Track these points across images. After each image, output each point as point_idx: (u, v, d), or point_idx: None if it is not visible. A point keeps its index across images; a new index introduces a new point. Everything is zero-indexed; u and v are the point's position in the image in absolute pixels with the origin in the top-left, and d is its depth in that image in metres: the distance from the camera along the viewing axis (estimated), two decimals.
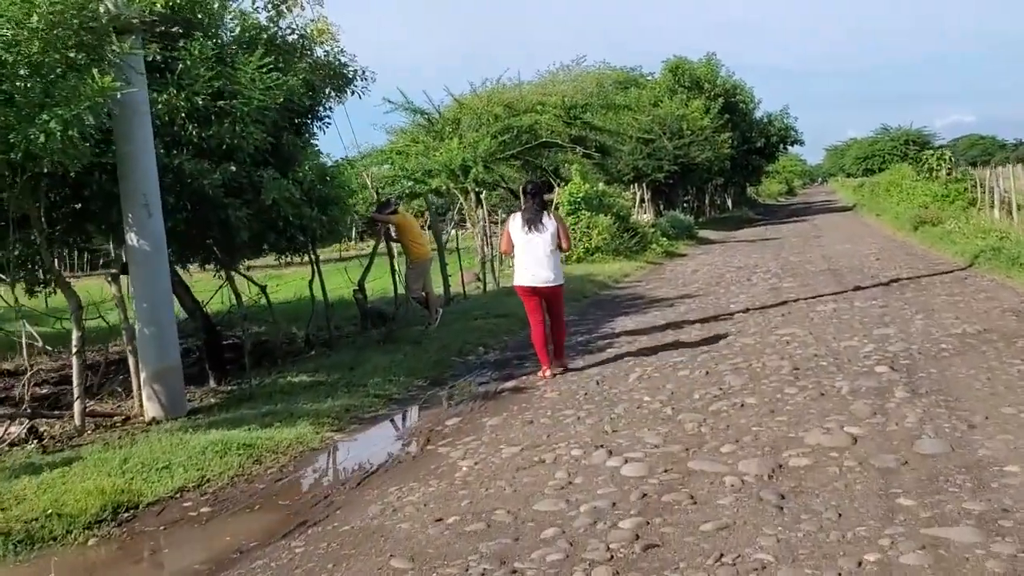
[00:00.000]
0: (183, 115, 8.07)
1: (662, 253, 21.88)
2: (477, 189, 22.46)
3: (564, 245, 8.28)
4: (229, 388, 8.41)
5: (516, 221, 8.23)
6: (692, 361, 8.21)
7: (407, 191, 23.57)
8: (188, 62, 8.07)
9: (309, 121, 10.31)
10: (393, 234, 11.55)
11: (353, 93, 10.53)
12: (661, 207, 34.87)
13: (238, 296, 9.16)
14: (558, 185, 22.70)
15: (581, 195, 20.25)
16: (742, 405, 6.43)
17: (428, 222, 18.23)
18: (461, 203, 21.10)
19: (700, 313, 11.48)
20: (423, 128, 24.20)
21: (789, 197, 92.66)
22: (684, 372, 7.74)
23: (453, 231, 22.35)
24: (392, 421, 7.12)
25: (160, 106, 7.79)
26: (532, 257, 8.10)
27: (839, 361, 7.68)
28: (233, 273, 9.26)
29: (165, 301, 7.31)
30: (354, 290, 11.31)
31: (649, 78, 39.19)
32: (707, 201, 47.19)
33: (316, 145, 9.35)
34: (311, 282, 10.54)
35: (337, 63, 10.17)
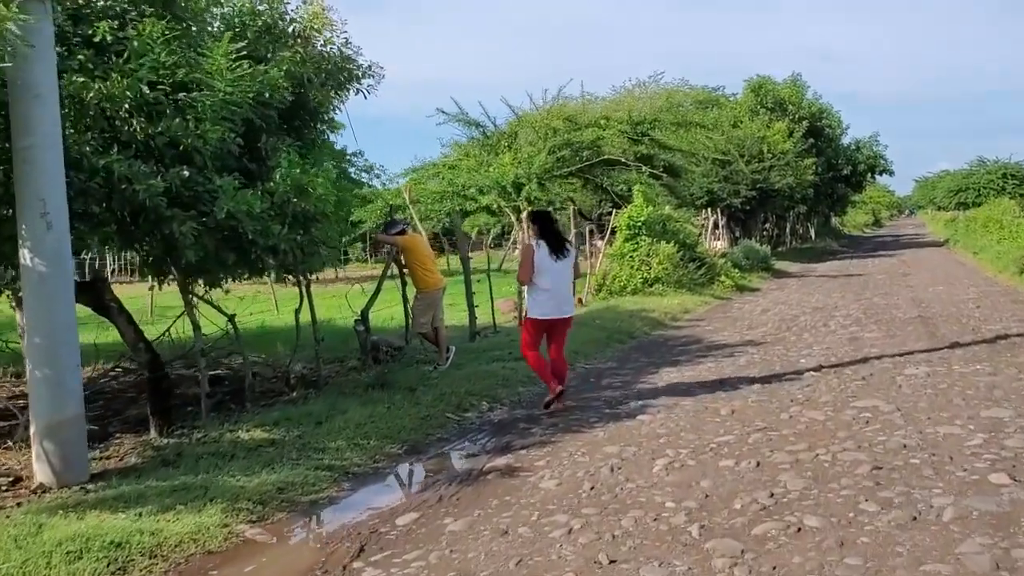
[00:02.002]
0: (127, 107, 6.62)
1: (731, 287, 19.84)
2: (530, 208, 20.84)
3: (577, 273, 8.05)
4: (167, 441, 6.86)
5: (543, 248, 7.70)
6: (741, 443, 6.36)
7: (457, 208, 22.15)
8: (136, 43, 6.64)
9: (311, 123, 8.86)
10: (401, 258, 9.94)
11: (358, 92, 9.03)
12: (737, 234, 32.69)
13: (195, 325, 7.65)
14: (620, 207, 20.93)
15: (642, 219, 18.41)
16: (799, 529, 4.57)
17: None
18: (513, 223, 19.46)
19: (762, 368, 9.56)
20: (477, 142, 22.72)
21: (875, 228, 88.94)
22: (728, 461, 5.89)
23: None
24: (329, 511, 5.44)
25: (92, 94, 6.36)
26: (560, 287, 7.76)
27: (937, 459, 5.73)
28: (193, 296, 7.77)
29: (65, 336, 5.79)
30: (355, 320, 9.73)
31: (731, 98, 37.12)
32: (788, 230, 44.65)
33: (296, 151, 7.73)
34: (298, 310, 9.02)
35: (337, 56, 8.66)
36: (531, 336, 7.91)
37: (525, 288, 8.19)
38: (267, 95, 7.52)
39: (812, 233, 53.02)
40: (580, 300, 16.66)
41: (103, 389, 8.83)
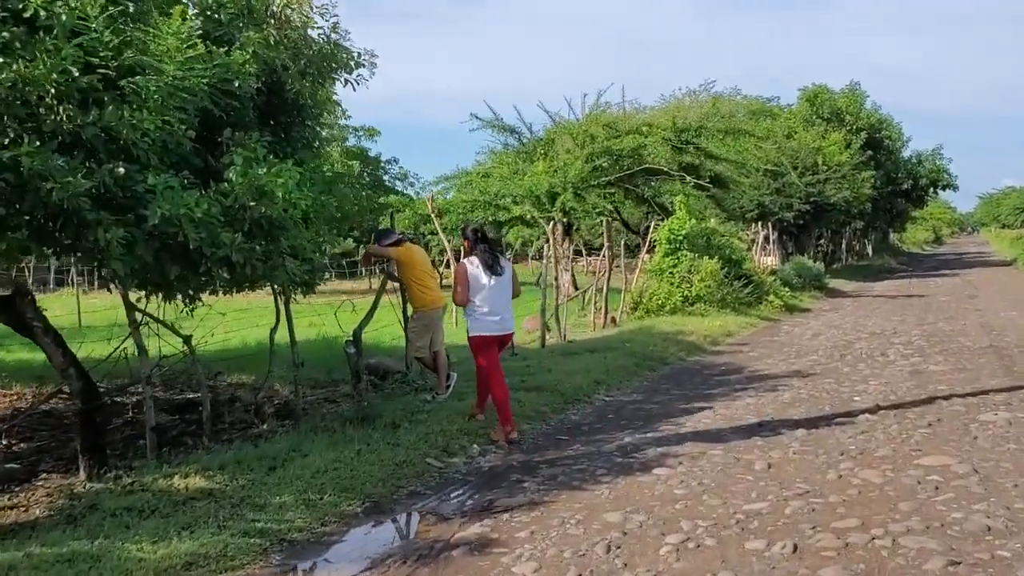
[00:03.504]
0: (52, 93, 5.59)
1: (780, 307, 18.38)
2: (565, 219, 19.68)
3: (517, 290, 7.72)
4: (91, 487, 5.80)
5: (475, 266, 7.39)
6: (776, 514, 5.09)
7: (490, 218, 21.09)
8: (64, 18, 5.63)
9: (292, 117, 7.81)
10: (393, 271, 8.81)
11: (346, 83, 7.96)
12: (790, 250, 31.08)
13: (140, 348, 6.61)
14: (662, 218, 19.63)
15: (684, 232, 17.07)
16: None
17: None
18: (547, 234, 18.30)
19: (809, 407, 8.23)
20: (513, 149, 21.63)
21: (935, 246, 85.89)
22: (757, 542, 4.62)
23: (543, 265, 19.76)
24: None
25: (5, 75, 5.34)
26: (497, 303, 7.42)
27: None
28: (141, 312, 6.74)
29: None
30: (346, 341, 8.62)
31: (784, 109, 35.53)
32: (843, 246, 42.75)
33: (265, 147, 6.61)
34: (273, 329, 7.95)
35: (322, 41, 7.60)
36: (483, 356, 7.43)
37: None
38: (231, 82, 6.52)
39: (869, 250, 50.94)
40: (613, 320, 15.41)
41: (49, 414, 7.84)
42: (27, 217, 5.54)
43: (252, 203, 6.18)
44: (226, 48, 6.63)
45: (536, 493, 5.63)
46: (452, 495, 5.72)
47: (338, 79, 7.90)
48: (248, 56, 6.65)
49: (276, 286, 7.61)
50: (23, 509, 5.43)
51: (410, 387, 9.09)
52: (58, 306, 21.50)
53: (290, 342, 8.04)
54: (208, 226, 5.87)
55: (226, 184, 6.17)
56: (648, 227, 27.02)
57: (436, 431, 6.96)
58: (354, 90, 7.95)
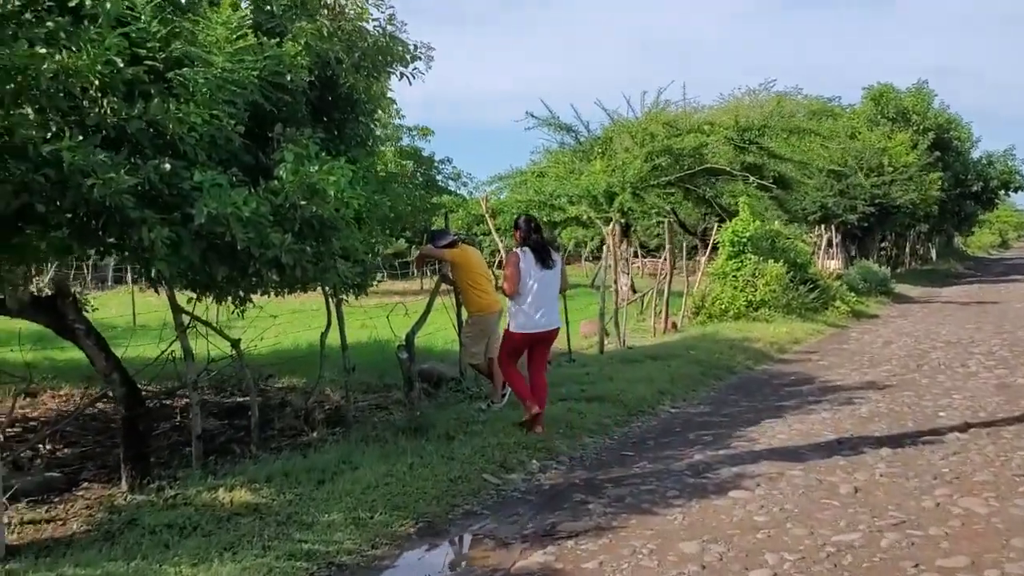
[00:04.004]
0: (97, 84, 5.33)
1: (847, 313, 17.66)
2: (623, 220, 19.17)
3: (564, 283, 7.48)
4: (132, 499, 5.52)
5: (529, 257, 7.13)
6: (871, 548, 4.58)
7: (544, 219, 20.66)
8: (109, 5, 5.36)
9: (346, 113, 7.49)
10: (448, 273, 8.43)
11: (402, 77, 7.61)
12: (852, 254, 30.13)
13: (187, 352, 6.33)
14: (720, 220, 19.05)
15: (748, 234, 16.47)
16: None
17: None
18: (604, 235, 17.81)
19: (891, 423, 7.67)
20: (569, 148, 21.15)
21: (1002, 250, 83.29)
22: None
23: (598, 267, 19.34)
24: None
25: (47, 66, 5.08)
26: (544, 298, 7.13)
27: None
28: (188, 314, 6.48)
29: None
30: (399, 346, 8.28)
31: (847, 109, 34.52)
32: (907, 250, 41.45)
33: (318, 144, 6.27)
34: (324, 333, 7.64)
35: (378, 33, 7.27)
36: (511, 349, 7.30)
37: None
38: (282, 75, 6.22)
39: (933, 254, 49.42)
40: (674, 325, 14.88)
41: (96, 416, 7.63)
42: (68, 215, 5.28)
43: (303, 202, 5.84)
44: (277, 39, 6.33)
45: (603, 517, 5.20)
46: (511, 516, 5.31)
47: (393, 73, 7.56)
48: (300, 48, 6.33)
49: (327, 288, 7.33)
50: (60, 523, 5.16)
51: (464, 395, 8.72)
52: (114, 304, 21.65)
53: (341, 346, 7.72)
54: (257, 226, 5.55)
55: (276, 182, 5.85)
56: (705, 229, 26.37)
57: (492, 444, 6.56)
58: (410, 84, 7.60)
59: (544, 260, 7.14)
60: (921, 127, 33.34)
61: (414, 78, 7.57)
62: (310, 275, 6.20)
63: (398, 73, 7.53)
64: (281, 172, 5.81)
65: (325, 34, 6.69)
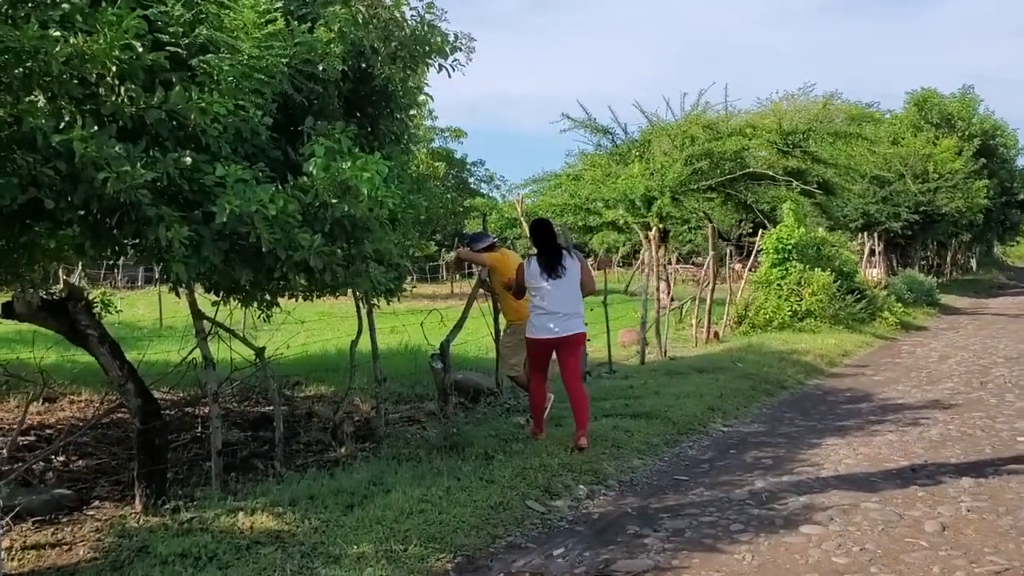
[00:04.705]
0: (113, 71, 4.89)
1: (895, 324, 16.97)
2: (661, 225, 18.60)
3: (589, 286, 7.10)
4: (144, 521, 5.06)
5: (532, 267, 6.89)
6: None
7: (580, 223, 20.17)
8: None
9: (379, 107, 7.03)
10: (487, 279, 7.94)
11: (440, 69, 7.13)
12: (895, 263, 29.31)
13: (208, 360, 5.88)
14: (762, 228, 18.42)
15: (793, 242, 15.84)
16: None
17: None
18: (641, 240, 17.25)
19: (966, 448, 7.06)
20: (605, 151, 20.60)
21: None
22: None
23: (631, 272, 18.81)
24: None
25: (58, 50, 4.65)
26: (557, 304, 6.84)
27: None
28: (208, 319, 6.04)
29: None
30: (432, 355, 7.81)
31: (886, 115, 33.62)
32: (948, 259, 40.44)
33: (350, 138, 5.78)
34: (354, 342, 7.17)
35: (415, 22, 6.80)
36: (532, 361, 7.11)
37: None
38: (313, 64, 5.78)
39: (973, 263, 48.30)
40: (716, 334, 14.30)
41: (114, 423, 7.20)
42: (80, 211, 4.85)
43: (334, 200, 5.37)
44: (309, 25, 5.89)
45: (661, 554, 4.66)
46: (559, 550, 4.79)
47: (432, 64, 7.08)
48: (333, 35, 5.90)
49: (358, 293, 6.87)
50: (66, 548, 4.71)
51: (500, 408, 8.22)
52: (143, 304, 21.43)
53: (372, 355, 7.25)
54: (284, 226, 5.10)
55: (305, 178, 5.38)
56: (740, 235, 25.67)
57: (535, 465, 6.04)
58: (449, 76, 7.08)
59: (552, 268, 6.82)
60: (966, 133, 32.43)
61: (454, 70, 7.10)
62: (340, 279, 5.73)
63: (437, 65, 7.07)
64: (311, 168, 5.34)
65: (360, 21, 6.24)
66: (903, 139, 29.94)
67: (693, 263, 33.93)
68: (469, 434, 6.77)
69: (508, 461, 6.14)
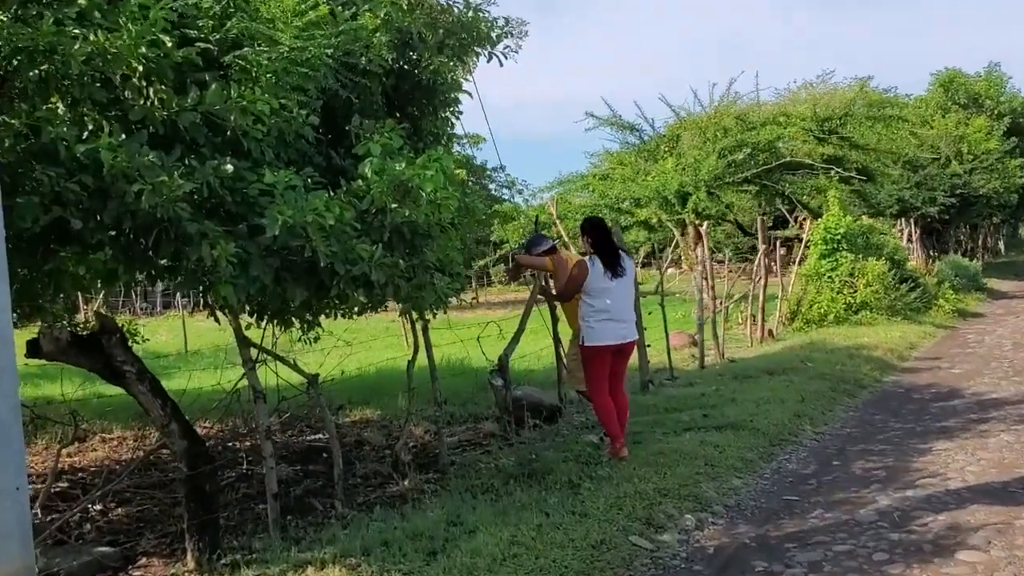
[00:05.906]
0: (139, 72, 4.27)
1: (951, 312, 16.21)
2: (697, 221, 17.90)
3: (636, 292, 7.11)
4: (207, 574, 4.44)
5: (596, 266, 6.45)
6: None
7: (611, 223, 19.45)
8: None
9: (426, 103, 6.41)
10: (549, 286, 7.30)
11: (490, 58, 6.51)
12: (931, 249, 28.47)
13: (257, 393, 5.25)
14: (807, 218, 17.72)
15: (841, 231, 15.12)
16: None
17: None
18: (677, 239, 16.57)
19: None
20: (633, 148, 19.96)
21: None
22: None
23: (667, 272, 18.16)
24: None
25: (77, 48, 4.03)
26: (622, 308, 6.52)
27: None
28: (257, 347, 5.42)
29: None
30: (491, 370, 7.17)
31: (907, 99, 32.76)
32: (980, 243, 39.49)
33: (401, 136, 5.14)
34: (411, 362, 6.52)
35: (462, 7, 6.18)
36: (596, 371, 6.49)
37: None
38: (358, 55, 5.17)
39: (1001, 246, 47.25)
40: (771, 332, 13.59)
41: (153, 464, 6.57)
42: (111, 231, 4.22)
43: (393, 205, 4.73)
44: (352, 12, 5.28)
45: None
46: None
47: (481, 53, 6.46)
48: (379, 22, 5.29)
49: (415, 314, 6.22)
50: None
51: (569, 426, 7.57)
52: (164, 330, 20.88)
53: (431, 376, 6.61)
54: (340, 236, 4.47)
55: (360, 182, 4.75)
56: (769, 228, 24.91)
57: (629, 493, 5.36)
58: (501, 65, 6.49)
59: (615, 268, 6.47)
60: (995, 112, 31.55)
61: (506, 58, 6.48)
62: (402, 294, 5.09)
63: (487, 54, 6.45)
64: (366, 170, 4.70)
65: (405, 7, 5.63)
66: (932, 121, 29.13)
67: (715, 260, 33.14)
68: (548, 459, 6.10)
69: (597, 489, 5.47)
